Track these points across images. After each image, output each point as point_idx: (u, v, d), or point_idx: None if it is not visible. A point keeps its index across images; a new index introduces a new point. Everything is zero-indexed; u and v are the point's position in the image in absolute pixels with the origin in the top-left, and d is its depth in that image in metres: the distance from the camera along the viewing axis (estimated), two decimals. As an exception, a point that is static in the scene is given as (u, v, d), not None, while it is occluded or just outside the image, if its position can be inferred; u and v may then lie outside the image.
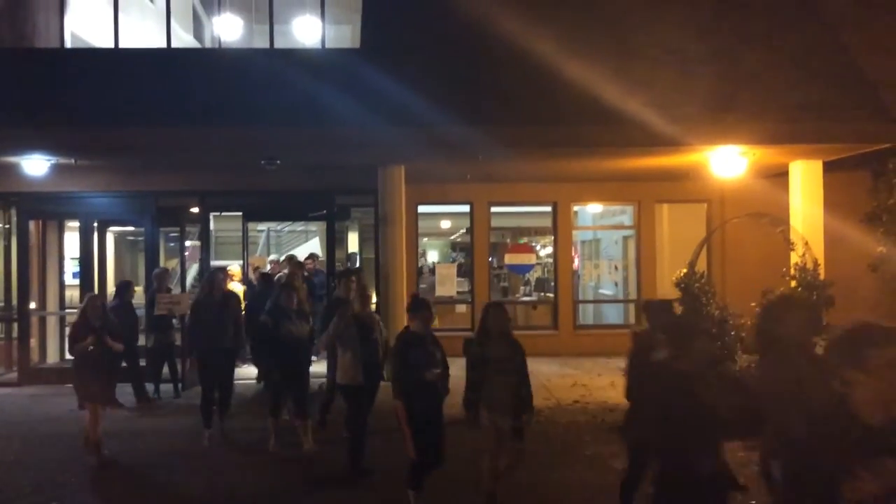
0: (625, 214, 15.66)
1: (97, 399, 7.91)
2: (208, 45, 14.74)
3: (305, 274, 12.38)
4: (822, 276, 9.45)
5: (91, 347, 7.78)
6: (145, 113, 10.12)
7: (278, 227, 20.58)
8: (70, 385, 11.93)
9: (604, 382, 11.17)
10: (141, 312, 11.39)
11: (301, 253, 18.41)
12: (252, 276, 13.59)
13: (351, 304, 7.69)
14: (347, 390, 7.17)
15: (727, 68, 10.56)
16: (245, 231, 14.13)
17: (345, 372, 7.11)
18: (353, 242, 18.80)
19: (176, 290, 12.85)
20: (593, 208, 16.31)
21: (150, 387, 11.06)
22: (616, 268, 16.42)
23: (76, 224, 13.23)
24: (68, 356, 13.25)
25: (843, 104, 10.42)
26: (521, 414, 6.03)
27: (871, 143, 10.74)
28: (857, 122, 10.33)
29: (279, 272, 12.79)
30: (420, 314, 6.14)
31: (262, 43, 12.99)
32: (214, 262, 14.74)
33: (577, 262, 15.80)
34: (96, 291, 12.85)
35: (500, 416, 5.92)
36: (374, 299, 12.26)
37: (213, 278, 9.27)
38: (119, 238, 19.05)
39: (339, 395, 7.74)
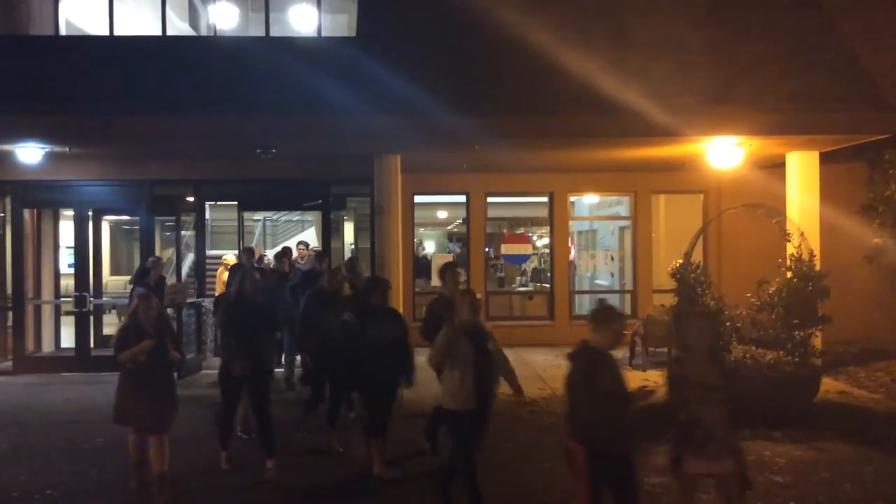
0: (621, 205, 15.65)
1: (144, 426, 6.39)
2: (204, 33, 14.65)
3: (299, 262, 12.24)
4: (817, 267, 9.43)
5: (143, 357, 6.24)
6: (140, 101, 10.09)
7: (274, 217, 20.56)
8: (65, 374, 12.11)
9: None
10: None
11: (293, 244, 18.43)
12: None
13: (455, 308, 5.99)
14: (456, 417, 5.79)
15: (724, 59, 10.54)
16: (241, 220, 14.09)
17: (453, 394, 5.76)
18: (348, 232, 18.78)
19: (171, 280, 12.79)
20: (590, 199, 16.30)
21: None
22: (612, 258, 16.43)
23: (71, 213, 13.18)
24: (63, 346, 13.42)
25: (840, 95, 10.41)
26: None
27: (867, 133, 10.75)
28: (854, 113, 10.33)
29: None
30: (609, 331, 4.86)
31: (257, 31, 12.93)
32: (210, 252, 14.74)
33: (573, 253, 15.81)
34: (91, 280, 12.88)
35: None
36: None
37: (250, 279, 7.41)
38: (114, 227, 19.04)
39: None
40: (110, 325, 14.25)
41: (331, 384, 7.98)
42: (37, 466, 7.39)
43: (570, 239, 15.40)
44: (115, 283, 18.35)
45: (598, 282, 16.82)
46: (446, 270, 7.86)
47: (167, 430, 6.40)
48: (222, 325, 7.48)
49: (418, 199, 14.80)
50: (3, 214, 13.15)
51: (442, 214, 20.29)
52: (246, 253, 11.67)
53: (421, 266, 15.85)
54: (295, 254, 12.22)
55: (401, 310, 12.15)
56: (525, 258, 15.89)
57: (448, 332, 5.77)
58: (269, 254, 14.42)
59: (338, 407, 7.99)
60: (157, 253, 13.60)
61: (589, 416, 4.61)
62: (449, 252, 19.01)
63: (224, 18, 13.72)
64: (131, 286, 10.95)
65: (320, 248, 13.21)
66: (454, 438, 5.91)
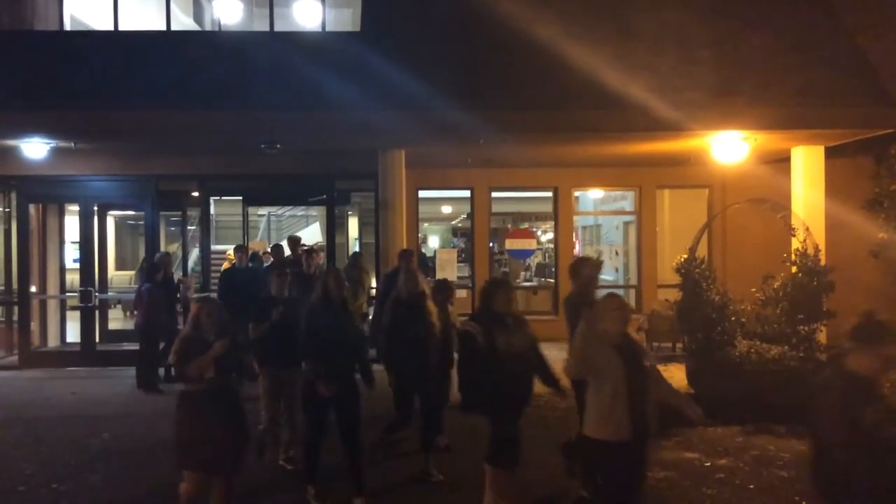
0: (626, 200, 15.62)
1: (210, 464, 5.14)
2: (208, 28, 14.65)
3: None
4: (822, 262, 9.42)
5: (210, 373, 5.05)
6: (144, 96, 10.09)
7: (279, 212, 20.58)
8: (71, 368, 12.14)
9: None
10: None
11: (303, 237, 18.43)
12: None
13: (596, 314, 4.81)
14: (604, 449, 4.63)
15: (729, 53, 10.51)
16: (245, 215, 14.11)
17: (601, 418, 4.62)
18: (353, 227, 18.80)
19: (177, 274, 12.82)
20: (594, 194, 16.28)
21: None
22: (617, 253, 16.41)
23: (76, 208, 13.21)
24: (69, 340, 13.45)
25: (846, 89, 10.38)
26: None
27: (873, 128, 10.70)
28: (860, 108, 10.30)
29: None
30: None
31: (262, 26, 12.91)
32: (215, 247, 14.77)
33: (577, 248, 15.80)
34: (96, 275, 12.91)
35: None
36: (372, 284, 12.28)
37: (335, 278, 6.26)
38: (120, 222, 19.08)
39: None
40: (115, 319, 14.29)
41: (423, 402, 6.94)
42: (43, 460, 7.42)
43: (574, 234, 15.38)
44: (120, 278, 18.41)
45: (602, 277, 16.76)
46: (579, 268, 6.82)
47: (239, 469, 5.33)
48: (308, 336, 6.09)
49: (422, 194, 14.79)
50: (8, 210, 13.19)
51: (446, 209, 20.30)
52: (239, 251, 11.31)
53: (422, 262, 15.83)
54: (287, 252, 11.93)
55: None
56: (529, 253, 15.87)
57: (585, 336, 4.72)
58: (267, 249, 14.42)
59: (434, 428, 7.06)
60: (162, 248, 13.62)
61: (845, 458, 3.59)
62: (453, 247, 19.00)
63: (228, 13, 13.74)
64: (139, 283, 10.93)
65: (309, 246, 12.78)
66: (605, 476, 4.93)
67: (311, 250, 11.04)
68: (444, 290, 7.42)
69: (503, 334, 5.60)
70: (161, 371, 10.85)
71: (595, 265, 7.06)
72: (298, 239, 12.20)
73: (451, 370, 6.80)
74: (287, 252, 11.51)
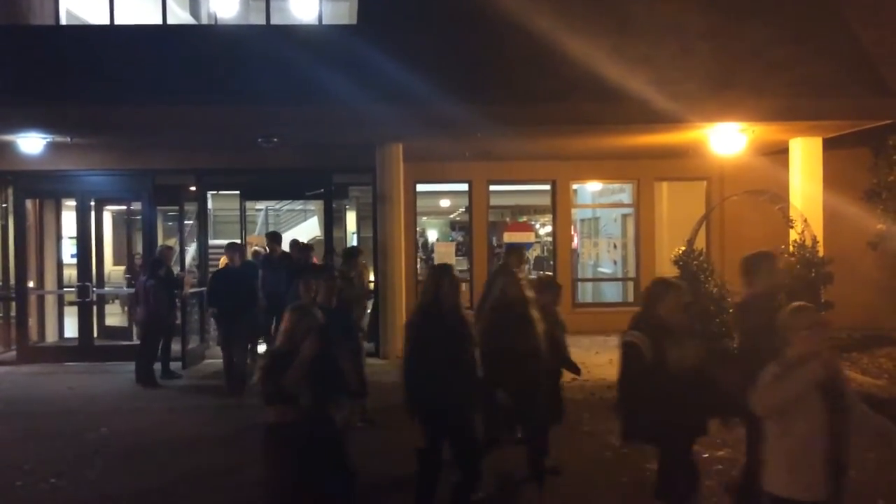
0: (624, 192, 15.61)
1: None
2: (204, 21, 14.59)
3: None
4: (820, 254, 9.45)
5: (305, 402, 4.32)
6: (141, 90, 10.07)
7: (276, 206, 20.56)
8: (69, 363, 12.12)
9: (602, 360, 11.16)
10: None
11: (300, 232, 18.42)
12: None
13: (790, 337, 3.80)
14: None
15: (727, 44, 10.49)
16: (243, 210, 14.08)
17: (791, 468, 3.65)
18: (351, 221, 18.78)
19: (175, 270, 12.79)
20: (592, 186, 16.26)
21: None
22: (615, 246, 16.41)
23: (73, 203, 13.18)
24: (66, 336, 13.43)
25: (844, 80, 10.36)
26: None
27: (871, 119, 10.70)
28: (858, 98, 10.29)
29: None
30: None
31: (258, 19, 12.89)
32: (213, 242, 14.74)
33: (576, 241, 15.79)
34: (94, 270, 12.88)
35: None
36: (371, 278, 12.26)
37: (445, 273, 5.31)
38: (117, 217, 19.04)
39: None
40: (113, 314, 14.29)
41: (531, 426, 6.10)
42: (41, 455, 7.40)
43: (572, 227, 15.38)
44: (117, 272, 18.36)
45: (600, 269, 16.82)
46: (761, 261, 5.53)
47: None
48: (412, 347, 5.24)
49: (420, 187, 14.77)
50: (5, 205, 13.15)
51: (444, 203, 20.28)
52: (232, 250, 10.39)
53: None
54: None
55: (403, 300, 12.22)
56: (528, 246, 15.86)
57: (802, 376, 3.58)
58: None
59: (541, 454, 6.23)
60: (160, 242, 13.57)
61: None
62: (451, 241, 19.00)
63: (225, 7, 13.69)
64: (143, 278, 10.85)
65: (304, 242, 12.17)
66: None
67: (307, 246, 11.07)
68: (550, 288, 6.67)
69: (675, 347, 4.66)
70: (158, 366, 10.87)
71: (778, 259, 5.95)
72: (279, 235, 12.13)
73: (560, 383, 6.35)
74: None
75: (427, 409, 5.10)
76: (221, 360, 10.17)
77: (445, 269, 5.40)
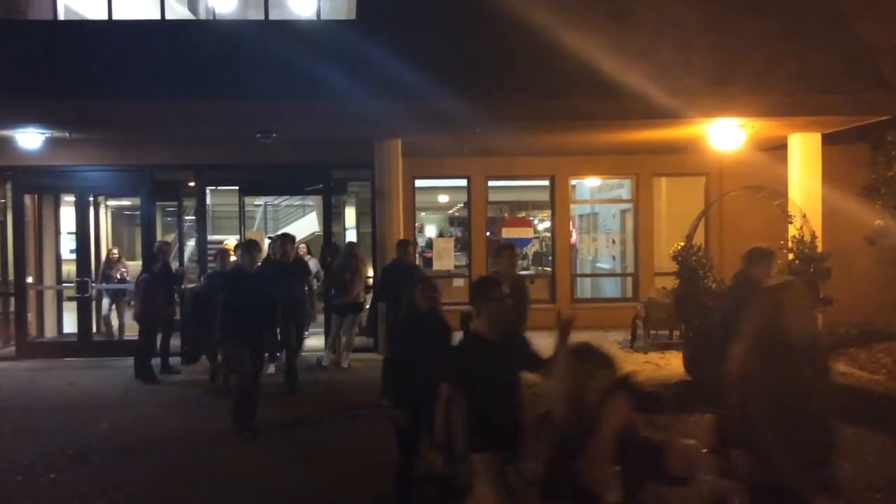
0: (623, 188, 15.62)
1: None
2: (203, 16, 14.57)
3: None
4: (819, 249, 9.45)
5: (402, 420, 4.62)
6: (139, 86, 10.05)
7: (275, 202, 20.53)
8: (68, 359, 12.12)
9: (601, 355, 11.21)
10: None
11: (299, 227, 18.40)
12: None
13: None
14: None
15: (726, 39, 10.49)
16: (241, 205, 14.07)
17: None
18: (350, 217, 18.76)
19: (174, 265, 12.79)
20: (591, 182, 16.26)
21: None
22: (614, 241, 16.41)
23: (72, 198, 13.16)
24: (65, 331, 13.43)
25: (843, 76, 10.36)
26: None
27: (870, 115, 10.70)
28: (857, 94, 10.29)
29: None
30: None
31: (257, 14, 12.86)
32: (212, 237, 14.72)
33: (574, 236, 15.79)
34: (93, 266, 12.87)
35: None
36: (370, 273, 12.27)
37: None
38: (116, 212, 19.01)
39: None
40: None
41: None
42: (41, 450, 7.41)
43: (571, 222, 15.38)
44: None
45: (599, 265, 16.82)
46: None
47: None
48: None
49: (419, 183, 14.77)
50: (3, 200, 13.14)
51: (443, 198, 20.28)
52: (247, 250, 8.10)
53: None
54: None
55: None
56: (526, 242, 15.86)
57: None
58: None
59: None
60: (159, 238, 13.56)
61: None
62: (450, 236, 18.99)
63: (223, 2, 13.65)
64: (140, 273, 10.84)
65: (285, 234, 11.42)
66: None
67: (287, 237, 10.74)
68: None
69: (788, 363, 3.63)
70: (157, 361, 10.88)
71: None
72: (293, 237, 12.00)
73: None
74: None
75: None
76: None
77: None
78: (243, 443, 7.48)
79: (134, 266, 13.73)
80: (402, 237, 11.53)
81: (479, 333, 4.34)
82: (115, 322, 13.22)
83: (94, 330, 12.95)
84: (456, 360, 4.40)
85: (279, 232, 13.53)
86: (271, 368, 10.31)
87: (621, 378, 3.24)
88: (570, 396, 3.18)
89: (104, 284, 12.87)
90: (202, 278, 9.64)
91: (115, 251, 13.38)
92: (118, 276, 12.95)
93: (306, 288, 10.91)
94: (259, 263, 8.37)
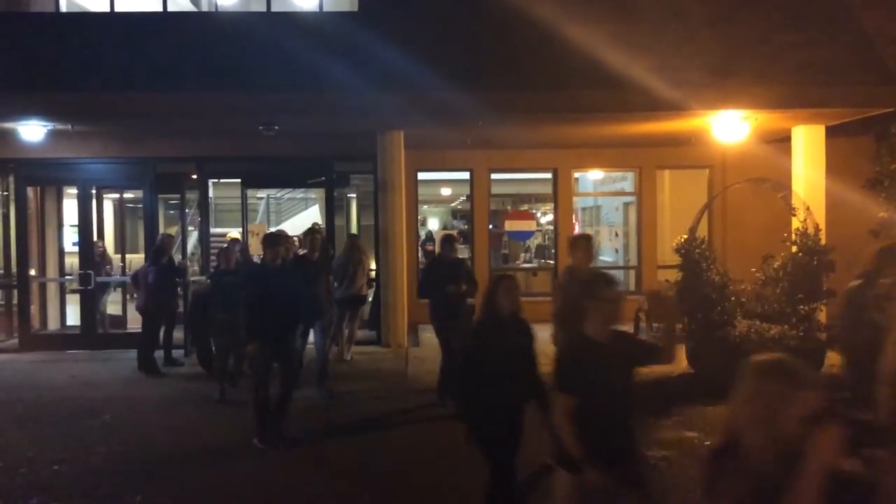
0: (626, 181, 15.59)
1: None
2: (205, 8, 14.52)
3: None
4: (823, 242, 9.42)
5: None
6: (141, 77, 10.02)
7: (278, 195, 20.54)
8: (71, 351, 12.13)
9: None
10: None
11: (302, 220, 18.40)
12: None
13: None
14: None
15: (730, 31, 10.43)
16: (244, 198, 14.05)
17: None
18: (352, 209, 18.76)
19: (176, 258, 12.80)
20: (594, 175, 16.23)
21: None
22: (617, 234, 16.40)
23: (75, 191, 13.17)
24: (68, 323, 13.44)
25: (847, 67, 10.31)
26: None
27: (874, 107, 10.65)
28: (861, 86, 10.24)
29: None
30: None
31: (259, 6, 12.82)
32: (215, 230, 14.72)
33: (577, 229, 15.77)
34: (96, 258, 12.86)
35: None
36: (372, 266, 12.26)
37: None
38: (118, 205, 19.03)
39: None
40: (114, 303, 14.27)
41: None
42: (44, 442, 7.44)
43: (574, 215, 15.36)
44: (118, 260, 18.34)
45: (602, 258, 16.80)
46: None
47: None
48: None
49: (422, 175, 14.75)
50: (6, 193, 13.15)
51: (446, 191, 20.26)
52: (270, 244, 7.55)
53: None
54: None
55: (404, 289, 12.23)
56: (529, 234, 15.86)
57: None
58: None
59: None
60: (162, 230, 13.56)
61: None
62: (453, 229, 18.98)
63: (225, -6, 13.60)
64: (146, 265, 10.83)
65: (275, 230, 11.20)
66: None
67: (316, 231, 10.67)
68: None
69: None
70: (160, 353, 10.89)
71: None
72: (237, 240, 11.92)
73: None
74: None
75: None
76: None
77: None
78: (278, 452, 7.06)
79: (135, 259, 13.73)
80: (404, 230, 11.47)
81: (587, 335, 3.90)
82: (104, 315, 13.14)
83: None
84: (565, 366, 3.94)
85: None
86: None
87: (827, 403, 2.57)
88: (762, 425, 2.55)
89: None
90: (207, 278, 9.02)
91: (101, 245, 13.33)
92: (104, 273, 12.94)
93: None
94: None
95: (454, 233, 10.79)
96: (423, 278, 9.08)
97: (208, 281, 8.95)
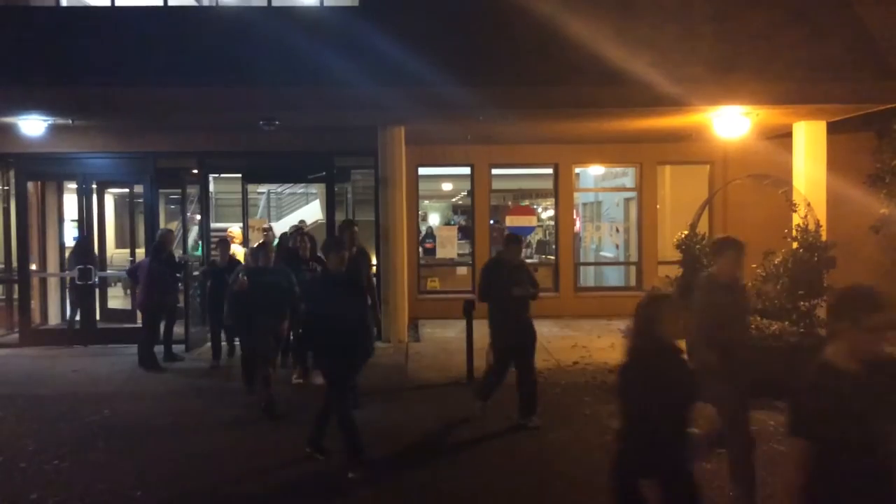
0: (626, 176, 15.58)
1: None
2: (206, 2, 14.51)
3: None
4: (823, 238, 9.41)
5: None
6: (142, 72, 10.04)
7: (278, 190, 20.54)
8: (75, 346, 12.13)
9: (604, 344, 11.20)
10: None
11: (303, 215, 18.38)
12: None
13: None
14: None
15: (731, 27, 10.43)
16: (245, 193, 14.05)
17: None
18: (353, 204, 18.74)
19: (177, 252, 12.79)
20: (595, 170, 16.23)
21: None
22: (617, 230, 16.38)
23: (75, 185, 13.16)
24: (69, 318, 13.43)
25: (848, 63, 10.30)
26: None
27: (875, 103, 10.64)
28: (862, 82, 10.24)
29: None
30: None
31: (260, 1, 12.81)
32: (215, 225, 14.72)
33: (578, 225, 15.75)
34: (95, 252, 12.85)
35: None
36: (373, 261, 12.26)
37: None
38: (119, 200, 19.04)
39: None
40: (115, 297, 14.31)
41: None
42: (44, 437, 7.44)
43: (574, 210, 15.34)
44: (120, 255, 18.39)
45: (603, 253, 16.80)
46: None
47: None
48: None
49: (422, 171, 14.74)
50: (7, 187, 13.15)
51: (446, 186, 20.25)
52: (336, 248, 6.90)
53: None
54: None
55: (405, 284, 12.23)
56: (530, 230, 15.83)
57: None
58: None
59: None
60: (162, 225, 13.56)
61: None
62: (454, 224, 18.97)
63: (226, -12, 13.58)
64: (145, 259, 10.84)
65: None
66: None
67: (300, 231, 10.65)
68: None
69: None
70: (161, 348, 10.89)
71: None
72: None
73: None
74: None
75: None
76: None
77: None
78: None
79: (137, 254, 13.71)
80: (405, 225, 11.45)
81: (834, 364, 3.15)
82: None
83: (98, 318, 12.95)
84: (807, 404, 3.20)
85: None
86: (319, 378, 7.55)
87: None
88: None
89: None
90: (243, 275, 8.40)
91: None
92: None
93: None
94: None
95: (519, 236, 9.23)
96: (483, 282, 7.82)
97: (244, 278, 8.38)
